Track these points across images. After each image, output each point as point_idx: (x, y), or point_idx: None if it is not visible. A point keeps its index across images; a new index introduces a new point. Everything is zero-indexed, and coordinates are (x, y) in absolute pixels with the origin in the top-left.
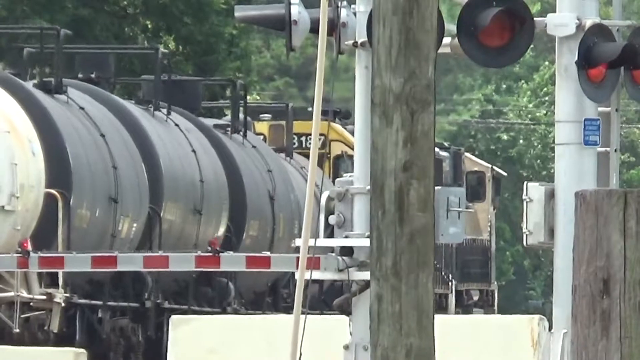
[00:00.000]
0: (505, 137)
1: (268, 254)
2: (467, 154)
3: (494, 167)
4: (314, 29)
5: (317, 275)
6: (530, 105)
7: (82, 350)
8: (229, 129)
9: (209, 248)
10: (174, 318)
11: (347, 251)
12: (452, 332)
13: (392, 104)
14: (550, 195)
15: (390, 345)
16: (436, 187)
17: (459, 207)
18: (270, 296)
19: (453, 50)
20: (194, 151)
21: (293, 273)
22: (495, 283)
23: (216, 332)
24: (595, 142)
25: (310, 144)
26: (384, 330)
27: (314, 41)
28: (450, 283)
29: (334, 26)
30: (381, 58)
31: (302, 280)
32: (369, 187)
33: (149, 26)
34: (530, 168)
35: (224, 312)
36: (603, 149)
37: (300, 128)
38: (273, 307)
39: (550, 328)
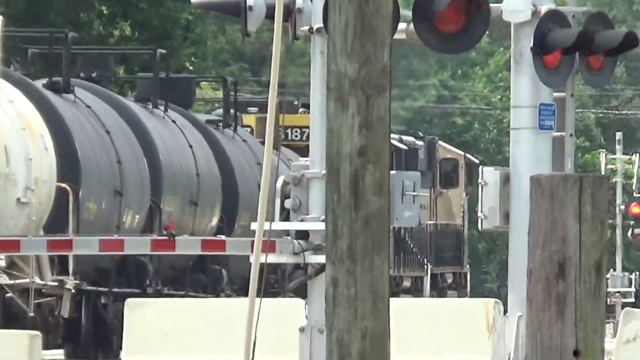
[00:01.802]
0: (460, 121)
1: (223, 237)
2: (441, 142)
3: (467, 155)
4: (270, 14)
5: (272, 258)
6: (486, 91)
7: (36, 332)
8: (221, 124)
9: (165, 232)
10: (129, 301)
11: (303, 235)
12: (407, 315)
13: (347, 89)
14: (505, 180)
15: (346, 328)
16: (391, 172)
17: (414, 192)
18: (259, 282)
19: (408, 36)
20: (190, 146)
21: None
22: (468, 266)
23: (172, 316)
24: (551, 127)
25: (296, 136)
26: (339, 313)
27: (270, 26)
28: (425, 266)
29: (290, 12)
30: (337, 43)
31: (257, 264)
32: (324, 172)
33: (105, 12)
34: (485, 152)
35: (217, 297)
36: (558, 134)
37: (287, 121)
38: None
39: (505, 312)
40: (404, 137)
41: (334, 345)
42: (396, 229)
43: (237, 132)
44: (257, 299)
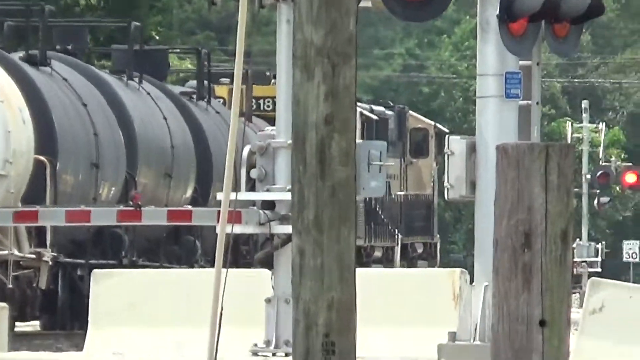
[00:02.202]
0: (426, 90)
1: (189, 207)
2: (411, 112)
3: (437, 125)
4: None
5: (238, 229)
6: (452, 59)
7: (3, 304)
8: (194, 95)
9: (131, 203)
10: (96, 272)
11: (269, 205)
12: (374, 285)
13: (313, 57)
14: (472, 149)
15: (312, 299)
16: (357, 141)
17: (380, 161)
18: (232, 253)
19: (374, 5)
20: (165, 118)
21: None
22: (438, 236)
23: (137, 286)
24: (517, 95)
25: (268, 107)
26: (305, 283)
27: None
28: (396, 237)
29: None
30: (302, 11)
31: (223, 233)
32: (290, 141)
33: None
34: (451, 121)
35: (191, 268)
36: (524, 102)
37: (260, 92)
38: (233, 264)
39: (471, 281)
40: (374, 107)
41: (301, 316)
42: (367, 199)
43: (211, 104)
44: (224, 270)
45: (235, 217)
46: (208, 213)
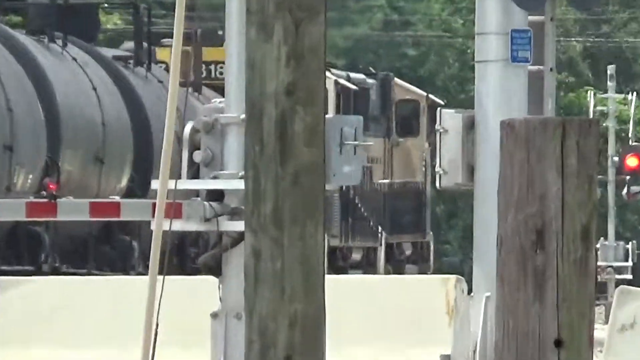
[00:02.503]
0: (413, 53)
1: (117, 199)
2: (398, 80)
3: (430, 96)
4: None
5: (178, 225)
6: (444, 14)
7: None
8: (131, 60)
9: (44, 193)
10: (2, 280)
11: (216, 196)
12: (349, 295)
13: (272, 12)
14: (470, 125)
15: (270, 313)
16: (327, 116)
17: (355, 140)
18: (178, 256)
19: None
20: (94, 89)
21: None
22: (431, 234)
23: (54, 297)
24: (526, 59)
25: (222, 73)
26: (262, 294)
27: None
28: (379, 235)
29: None
30: None
31: (160, 232)
32: (243, 116)
33: None
34: (444, 91)
35: (126, 275)
36: (535, 68)
37: (211, 55)
38: (180, 269)
39: (469, 291)
40: (352, 75)
41: (255, 335)
42: (343, 189)
43: (151, 71)
44: (159, 277)
45: (174, 211)
46: (140, 206)
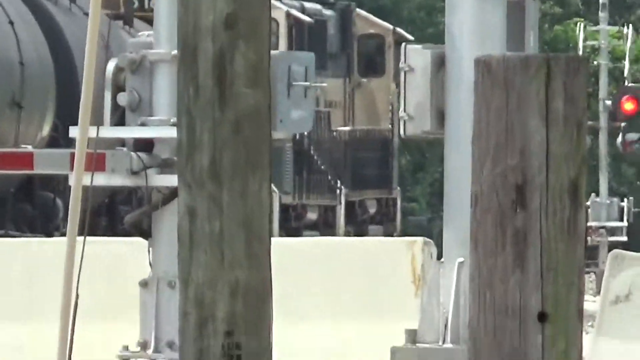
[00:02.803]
0: None
1: (30, 149)
2: (360, 11)
3: (397, 29)
4: None
5: (100, 179)
6: None
7: None
8: None
9: None
10: None
11: (145, 145)
12: (300, 260)
13: None
14: (439, 63)
15: (208, 281)
16: (272, 52)
17: (306, 81)
18: (107, 216)
19: None
20: (11, 22)
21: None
22: (398, 189)
23: None
24: None
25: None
26: (198, 258)
27: None
28: (338, 191)
29: None
30: None
31: (79, 187)
32: (175, 52)
33: None
34: (410, 24)
35: (49, 237)
36: None
37: None
38: (110, 230)
39: (439, 256)
40: (307, 5)
41: (192, 306)
42: (296, 137)
43: (76, 2)
44: (79, 239)
45: (96, 163)
46: (57, 156)
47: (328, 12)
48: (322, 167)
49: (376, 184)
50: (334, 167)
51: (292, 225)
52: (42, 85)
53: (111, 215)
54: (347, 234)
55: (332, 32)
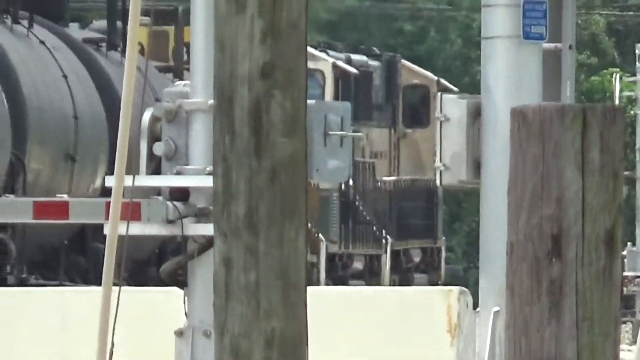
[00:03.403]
0: (409, 28)
1: (66, 197)
2: (405, 62)
3: (442, 80)
4: None
5: (136, 229)
6: None
7: None
8: (103, 43)
9: None
10: None
11: (180, 194)
12: (334, 310)
13: None
14: (476, 113)
15: (244, 331)
16: (309, 102)
17: (342, 130)
18: (157, 265)
19: None
20: (65, 77)
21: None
22: (443, 239)
23: None
24: (540, 36)
25: None
26: (234, 309)
27: None
28: (384, 241)
29: None
30: None
31: (115, 237)
32: (211, 101)
33: None
34: (446, 73)
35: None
36: (552, 45)
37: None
38: (161, 281)
39: (475, 305)
40: (353, 57)
41: (227, 356)
42: (342, 187)
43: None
44: (115, 288)
45: (132, 212)
46: (92, 205)
47: (374, 63)
48: (368, 216)
49: (421, 233)
50: (379, 216)
51: (339, 274)
52: (95, 138)
53: (161, 265)
54: (392, 282)
55: (377, 83)
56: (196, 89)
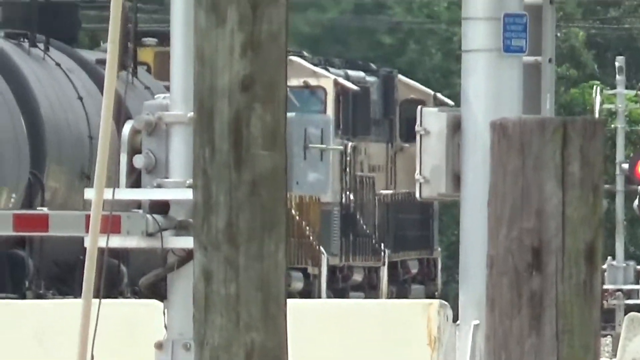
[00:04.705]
0: (389, 41)
1: (45, 210)
2: (402, 77)
3: (438, 95)
4: None
5: (116, 241)
6: None
7: None
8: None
9: None
10: None
11: (160, 207)
12: (315, 323)
13: None
14: (455, 126)
15: (223, 344)
16: (289, 115)
17: (322, 143)
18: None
19: None
20: (80, 98)
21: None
22: (439, 250)
23: None
24: (521, 49)
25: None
26: (213, 321)
27: None
28: (382, 253)
29: None
30: None
31: (95, 249)
32: (191, 114)
33: None
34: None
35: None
36: (532, 59)
37: None
38: (139, 292)
39: (455, 319)
40: (351, 73)
41: None
42: (343, 201)
43: (137, 76)
44: (95, 301)
45: (111, 225)
46: (72, 218)
47: (371, 79)
48: (367, 230)
49: (418, 245)
50: (377, 229)
51: (340, 287)
52: (109, 156)
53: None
54: (389, 294)
55: (375, 98)
56: (176, 102)
